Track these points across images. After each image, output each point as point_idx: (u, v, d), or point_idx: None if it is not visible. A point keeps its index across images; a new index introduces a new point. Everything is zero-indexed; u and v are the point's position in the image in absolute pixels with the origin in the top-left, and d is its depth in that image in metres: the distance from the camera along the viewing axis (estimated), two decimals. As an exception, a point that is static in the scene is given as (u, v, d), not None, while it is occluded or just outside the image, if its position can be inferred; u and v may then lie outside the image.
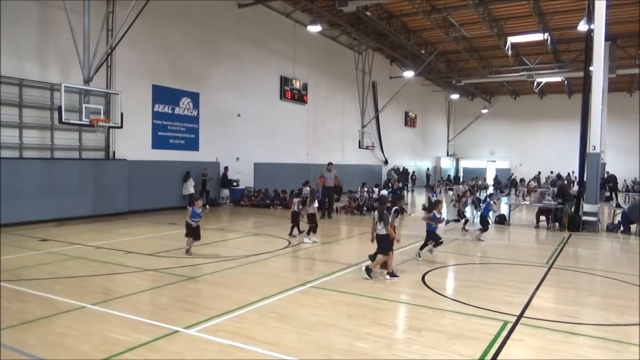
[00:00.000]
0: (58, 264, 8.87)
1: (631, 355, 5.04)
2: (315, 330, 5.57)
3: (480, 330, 5.64)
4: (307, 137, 26.12)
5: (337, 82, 28.66)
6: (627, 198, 26.48)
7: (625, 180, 34.90)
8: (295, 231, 12.36)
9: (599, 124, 14.93)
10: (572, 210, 14.82)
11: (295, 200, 12.76)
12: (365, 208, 18.46)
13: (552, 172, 37.10)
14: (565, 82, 36.32)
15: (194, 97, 19.38)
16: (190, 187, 18.46)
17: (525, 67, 31.92)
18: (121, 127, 14.77)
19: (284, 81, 24.25)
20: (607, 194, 25.70)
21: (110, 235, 12.20)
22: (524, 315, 6.24)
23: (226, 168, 20.38)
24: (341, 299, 6.85)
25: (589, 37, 15.83)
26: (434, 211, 9.94)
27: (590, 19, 15.84)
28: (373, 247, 8.39)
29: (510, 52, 28.83)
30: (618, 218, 15.24)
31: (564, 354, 5.04)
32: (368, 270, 8.02)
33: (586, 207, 14.79)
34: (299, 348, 5.01)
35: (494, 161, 46.17)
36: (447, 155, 47.51)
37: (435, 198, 13.61)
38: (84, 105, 13.64)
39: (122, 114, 14.53)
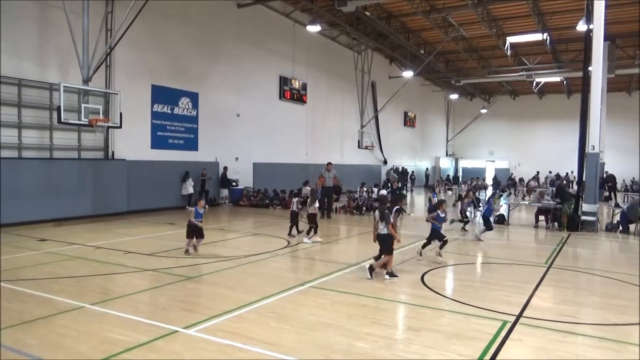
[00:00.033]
0: (57, 264, 8.86)
1: (630, 355, 5.04)
2: (315, 330, 5.57)
3: (480, 330, 5.64)
4: (306, 137, 26.12)
5: (336, 82, 28.66)
6: (626, 198, 26.50)
7: (624, 180, 34.96)
8: (294, 231, 12.36)
9: (598, 123, 14.95)
10: (571, 210, 14.84)
11: (295, 200, 12.77)
12: (364, 208, 18.47)
13: (550, 172, 37.16)
14: (564, 82, 36.34)
15: (193, 97, 19.37)
16: (189, 187, 18.46)
17: (524, 67, 31.93)
18: (120, 127, 14.74)
19: (283, 81, 24.24)
20: (606, 193, 25.74)
21: (109, 235, 12.19)
22: (523, 315, 6.25)
23: (225, 168, 20.37)
24: (340, 299, 6.85)
25: (588, 37, 15.84)
26: (438, 211, 9.95)
27: (589, 19, 15.85)
28: (373, 247, 8.39)
29: (509, 52, 28.84)
30: (617, 218, 15.26)
31: (563, 353, 5.04)
32: (371, 269, 8.04)
33: (585, 207, 14.81)
34: (298, 348, 5.01)
35: (493, 161, 46.20)
36: (446, 155, 47.53)
37: (435, 199, 13.61)
38: (83, 105, 13.62)
39: (121, 114, 14.51)
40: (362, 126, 30.12)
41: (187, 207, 17.96)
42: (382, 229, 8.13)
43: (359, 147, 29.64)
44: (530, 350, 5.16)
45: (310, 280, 7.92)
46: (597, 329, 5.83)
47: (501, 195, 17.46)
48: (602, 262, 10.61)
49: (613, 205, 18.54)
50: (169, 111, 18.42)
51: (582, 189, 15.21)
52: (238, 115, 21.44)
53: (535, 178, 35.80)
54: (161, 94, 18.04)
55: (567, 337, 5.53)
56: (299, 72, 25.11)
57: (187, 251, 9.78)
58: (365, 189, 19.81)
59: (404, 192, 26.94)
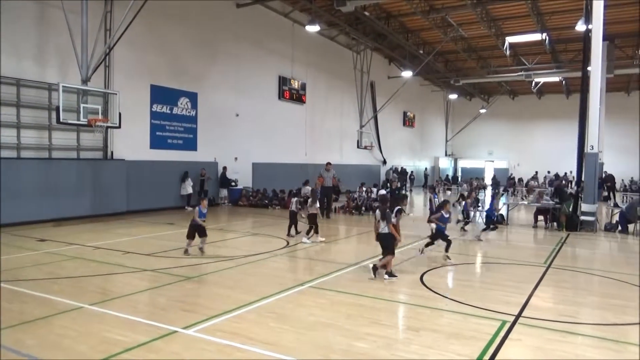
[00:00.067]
0: (56, 264, 8.85)
1: (630, 355, 5.05)
2: (314, 330, 5.57)
3: (479, 329, 5.65)
4: (305, 137, 26.11)
5: (335, 82, 28.65)
6: (624, 198, 26.53)
7: (623, 180, 34.99)
8: (293, 231, 12.36)
9: (597, 123, 14.97)
10: (570, 210, 14.85)
11: (294, 200, 12.76)
12: (363, 208, 18.47)
13: (549, 172, 37.16)
14: (563, 82, 36.35)
15: (192, 97, 19.36)
16: (188, 187, 18.45)
17: (523, 67, 31.93)
18: (119, 127, 14.74)
19: (283, 81, 24.23)
20: (605, 193, 25.75)
21: (108, 236, 12.18)
22: (522, 315, 6.25)
23: (224, 168, 20.36)
24: (340, 299, 6.85)
25: (586, 37, 15.86)
26: (442, 211, 9.93)
27: (588, 19, 15.85)
28: (372, 247, 8.39)
29: (508, 52, 28.85)
30: (616, 218, 15.26)
31: (562, 353, 5.05)
32: (375, 268, 8.05)
33: (584, 207, 14.82)
34: (298, 348, 5.01)
35: (492, 161, 46.21)
36: (446, 155, 47.53)
37: (436, 199, 13.58)
38: (82, 105, 13.60)
39: (120, 114, 14.50)
40: (362, 126, 30.11)
41: (186, 208, 17.96)
42: (383, 228, 8.15)
43: (358, 147, 29.63)
44: (529, 350, 5.16)
45: (310, 280, 7.92)
46: (596, 329, 5.84)
47: (502, 195, 17.50)
48: (601, 262, 10.63)
49: (612, 205, 18.56)
50: (168, 111, 18.40)
51: (581, 189, 15.23)
52: (237, 115, 21.43)
53: (534, 178, 35.81)
54: (160, 94, 18.02)
55: (566, 337, 5.53)
56: (298, 72, 25.11)
57: (186, 251, 9.77)
58: (364, 189, 19.83)
59: (404, 192, 26.93)
